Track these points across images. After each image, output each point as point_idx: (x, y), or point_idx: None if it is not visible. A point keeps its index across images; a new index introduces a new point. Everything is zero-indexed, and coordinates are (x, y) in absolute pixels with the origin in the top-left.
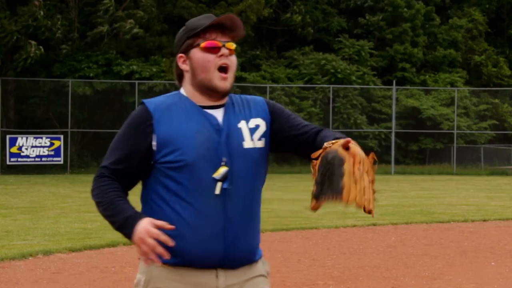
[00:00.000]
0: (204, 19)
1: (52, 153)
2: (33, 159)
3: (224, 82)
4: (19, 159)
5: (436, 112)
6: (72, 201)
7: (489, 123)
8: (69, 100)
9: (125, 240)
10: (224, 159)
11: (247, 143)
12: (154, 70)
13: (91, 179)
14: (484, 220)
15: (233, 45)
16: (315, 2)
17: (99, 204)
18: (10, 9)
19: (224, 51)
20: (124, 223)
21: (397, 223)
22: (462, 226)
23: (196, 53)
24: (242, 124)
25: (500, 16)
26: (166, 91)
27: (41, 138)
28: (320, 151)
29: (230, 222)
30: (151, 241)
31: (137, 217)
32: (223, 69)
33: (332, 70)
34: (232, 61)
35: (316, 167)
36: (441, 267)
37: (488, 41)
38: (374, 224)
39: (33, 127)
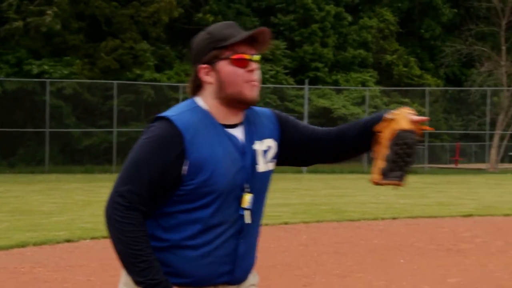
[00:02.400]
0: (230, 29)
1: None
2: None
3: (254, 90)
4: None
5: (347, 111)
6: None
7: None
8: None
9: (34, 240)
10: (246, 185)
11: (261, 167)
12: (66, 72)
13: (1, 179)
14: (394, 218)
15: (258, 58)
16: (229, 1)
17: (124, 243)
18: None
19: (253, 65)
20: (151, 285)
21: (309, 222)
22: (372, 224)
23: (224, 66)
24: (257, 146)
25: (411, 17)
26: (77, 93)
27: None
28: (385, 124)
29: (242, 243)
30: None
31: (167, 286)
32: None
33: None
34: (259, 74)
35: (387, 143)
36: (352, 264)
37: (400, 41)
38: (286, 223)
39: None
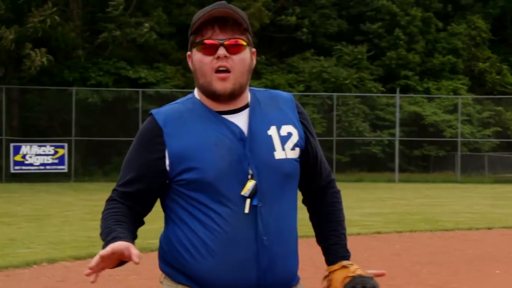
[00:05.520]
0: (206, 10)
1: (56, 161)
2: (37, 167)
3: (223, 83)
4: (23, 167)
5: (439, 118)
6: (76, 209)
7: (492, 131)
8: (73, 108)
9: None
10: (250, 172)
11: (278, 154)
12: (161, 77)
13: (95, 187)
14: (489, 228)
15: (238, 41)
16: (315, 6)
17: (100, 227)
18: (18, 19)
19: (221, 51)
20: (104, 246)
21: (402, 231)
22: (466, 234)
23: (195, 54)
24: (272, 131)
25: (504, 24)
26: (173, 97)
27: (45, 146)
28: (338, 267)
29: (264, 245)
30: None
31: (119, 238)
32: (221, 71)
33: (333, 78)
34: (235, 62)
35: (341, 286)
36: (446, 275)
37: (492, 48)
38: (379, 232)
39: (37, 135)
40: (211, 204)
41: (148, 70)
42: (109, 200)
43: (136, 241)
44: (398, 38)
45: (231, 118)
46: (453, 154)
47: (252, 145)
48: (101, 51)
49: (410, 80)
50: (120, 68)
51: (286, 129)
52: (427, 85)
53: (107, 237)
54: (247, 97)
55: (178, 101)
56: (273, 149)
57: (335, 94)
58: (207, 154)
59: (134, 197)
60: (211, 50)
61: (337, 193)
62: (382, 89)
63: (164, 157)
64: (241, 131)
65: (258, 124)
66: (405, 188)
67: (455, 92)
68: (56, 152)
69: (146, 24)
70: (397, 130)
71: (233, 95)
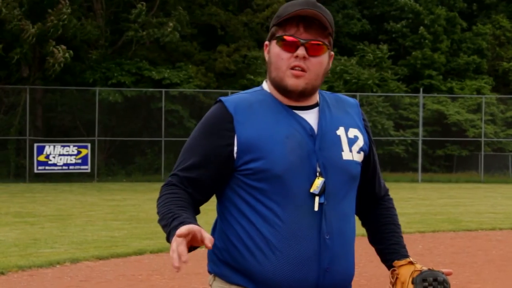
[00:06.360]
0: (296, 6)
1: (80, 161)
2: (60, 167)
3: (296, 80)
4: (46, 167)
5: (462, 117)
6: (99, 209)
7: None
8: (96, 108)
9: (151, 248)
10: (318, 169)
11: (346, 154)
12: (184, 77)
13: (118, 188)
14: None
15: (320, 44)
16: (338, 6)
17: (158, 213)
18: (37, 17)
19: (300, 51)
20: (171, 231)
21: (424, 231)
22: (490, 234)
23: (274, 47)
24: (341, 132)
25: None
26: (193, 97)
27: (69, 146)
28: (404, 262)
29: (326, 243)
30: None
31: (187, 223)
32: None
33: (355, 79)
34: (312, 64)
35: (410, 280)
36: (469, 275)
37: None
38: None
39: (61, 135)
40: (275, 197)
41: (170, 70)
42: (167, 185)
43: (159, 241)
44: (423, 37)
45: (301, 114)
46: (477, 154)
47: (322, 143)
48: (124, 51)
49: (434, 80)
50: (143, 69)
51: (353, 132)
52: (450, 85)
53: (173, 222)
54: (316, 96)
55: (246, 91)
56: (341, 149)
57: (358, 93)
58: (278, 146)
59: (195, 184)
60: (291, 47)
61: (392, 200)
62: (406, 89)
63: (233, 144)
64: (311, 128)
65: (327, 123)
66: (428, 188)
67: (479, 91)
68: (79, 152)
69: (170, 24)
70: (420, 130)
71: (303, 94)
